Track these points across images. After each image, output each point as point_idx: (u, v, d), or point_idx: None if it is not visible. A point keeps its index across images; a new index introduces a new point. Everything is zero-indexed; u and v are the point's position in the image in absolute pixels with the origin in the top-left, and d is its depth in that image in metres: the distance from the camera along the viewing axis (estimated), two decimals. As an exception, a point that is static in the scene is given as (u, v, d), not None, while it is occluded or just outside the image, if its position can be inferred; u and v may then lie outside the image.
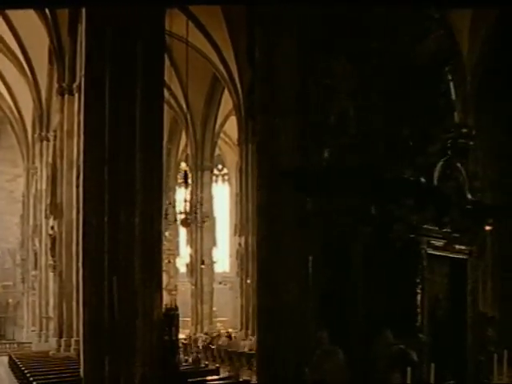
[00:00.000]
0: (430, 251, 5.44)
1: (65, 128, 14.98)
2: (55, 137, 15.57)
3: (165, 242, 19.09)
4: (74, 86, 14.54)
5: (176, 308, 14.02)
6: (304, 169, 5.26)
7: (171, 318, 12.34)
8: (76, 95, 14.06)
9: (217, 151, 25.57)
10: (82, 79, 10.74)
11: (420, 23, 5.24)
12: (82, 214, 10.35)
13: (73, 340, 13.68)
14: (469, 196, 5.90)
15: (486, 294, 29.02)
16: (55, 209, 14.84)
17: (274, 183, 5.57)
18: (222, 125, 23.91)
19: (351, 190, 4.98)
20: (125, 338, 9.76)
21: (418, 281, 5.25)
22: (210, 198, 24.00)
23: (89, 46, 10.11)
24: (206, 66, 19.63)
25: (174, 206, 14.84)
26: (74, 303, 12.11)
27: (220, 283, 25.06)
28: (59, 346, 14.32)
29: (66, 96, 15.03)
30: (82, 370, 10.31)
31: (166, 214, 12.74)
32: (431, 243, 5.39)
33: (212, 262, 23.82)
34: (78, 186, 11.64)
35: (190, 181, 16.66)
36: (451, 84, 5.65)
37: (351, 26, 5.33)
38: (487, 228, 17.13)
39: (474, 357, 6.32)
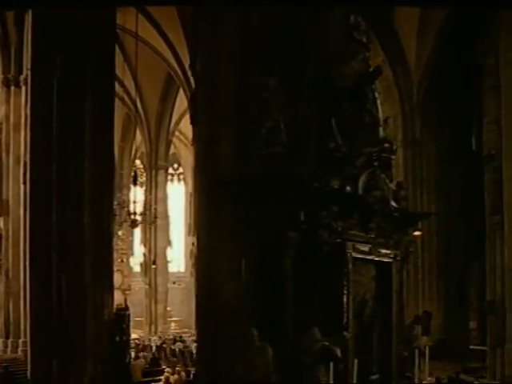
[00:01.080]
0: (356, 255, 5.89)
1: (11, 121, 14.59)
2: (1, 129, 15.13)
3: (118, 242, 19.15)
4: (21, 78, 14.12)
5: (127, 308, 14.14)
6: (240, 177, 5.61)
7: (122, 317, 12.47)
8: (23, 88, 13.70)
9: (172, 150, 25.59)
10: (29, 72, 10.44)
11: (348, 47, 5.68)
12: (30, 211, 10.33)
13: (20, 341, 13.58)
14: (394, 204, 6.39)
15: (429, 294, 29.89)
16: (1, 206, 14.58)
17: (212, 189, 5.92)
18: (178, 123, 23.87)
19: (282, 198, 5.37)
20: (74, 338, 9.84)
21: (343, 282, 5.68)
22: (165, 197, 24.08)
23: (36, 37, 9.85)
24: (161, 64, 19.68)
25: (123, 207, 14.96)
26: (22, 303, 12.07)
27: (174, 283, 25.20)
28: (5, 347, 14.16)
29: (13, 88, 14.65)
30: (29, 372, 10.32)
31: (115, 215, 12.85)
32: (357, 247, 5.84)
33: (166, 262, 23.94)
34: (24, 183, 11.48)
35: (143, 180, 16.77)
36: (377, 101, 6.13)
37: (286, 44, 5.73)
38: (416, 233, 18.06)
39: (399, 352, 6.81)
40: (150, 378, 13.52)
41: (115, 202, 10.10)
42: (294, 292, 5.53)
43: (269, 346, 5.43)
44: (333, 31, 5.86)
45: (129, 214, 14.93)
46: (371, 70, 5.78)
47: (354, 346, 6.17)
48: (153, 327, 23.01)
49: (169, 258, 23.60)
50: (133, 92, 19.50)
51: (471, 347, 20.08)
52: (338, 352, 5.58)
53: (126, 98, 19.96)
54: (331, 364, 5.38)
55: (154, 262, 21.15)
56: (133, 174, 15.28)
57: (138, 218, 15.25)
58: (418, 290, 28.15)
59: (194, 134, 6.38)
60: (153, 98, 21.63)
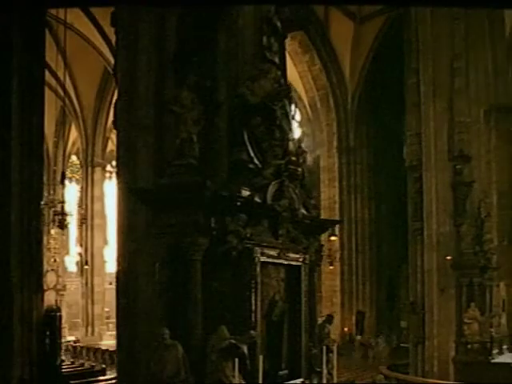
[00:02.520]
0: (265, 259, 6.36)
1: None
2: None
3: (50, 241, 18.99)
4: None
5: (59, 309, 14.04)
6: (155, 185, 5.97)
7: (53, 319, 12.38)
8: None
9: (110, 147, 25.37)
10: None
11: (259, 66, 6.14)
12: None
13: None
14: (304, 212, 6.91)
15: (362, 295, 31.01)
16: None
17: (131, 195, 6.24)
18: (116, 120, 23.74)
19: (194, 206, 5.76)
20: (1, 340, 9.79)
21: (251, 285, 6.13)
22: (102, 195, 23.92)
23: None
24: (99, 59, 19.56)
25: (51, 207, 14.87)
26: None
27: (111, 283, 25.06)
28: None
29: None
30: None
31: (42, 214, 12.83)
32: (265, 252, 6.31)
33: (103, 262, 23.80)
34: None
35: (79, 177, 16.65)
36: (289, 117, 6.63)
37: (202, 57, 6.12)
38: (333, 238, 18.93)
39: (308, 349, 7.33)
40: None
41: (42, 202, 10.12)
42: (203, 294, 5.93)
43: (179, 344, 5.80)
44: (246, 50, 6.31)
45: (55, 214, 14.90)
46: (280, 88, 6.25)
47: (264, 343, 6.66)
48: (89, 329, 22.85)
49: (106, 258, 23.46)
50: (69, 87, 19.24)
51: (402, 345, 21.05)
52: (245, 349, 6.02)
53: (61, 91, 19.63)
54: (236, 360, 5.81)
55: (87, 263, 21.03)
56: (61, 174, 15.17)
57: (69, 217, 15.24)
58: (352, 292, 29.28)
59: (117, 138, 6.67)
60: (89, 93, 21.41)
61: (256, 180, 6.18)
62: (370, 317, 30.11)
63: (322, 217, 29.05)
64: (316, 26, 23.31)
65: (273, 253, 6.47)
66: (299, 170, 6.29)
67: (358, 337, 30.05)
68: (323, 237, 29.66)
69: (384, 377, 17.16)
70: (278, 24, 6.35)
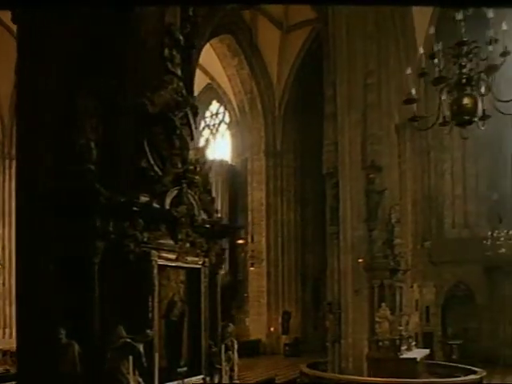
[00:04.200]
0: (163, 262, 6.68)
1: None
2: None
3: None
4: None
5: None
6: (56, 189, 6.16)
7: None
8: None
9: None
10: None
11: (161, 77, 6.46)
12: None
13: None
14: (205, 217, 7.28)
15: (288, 295, 31.89)
16: None
17: (31, 199, 6.39)
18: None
19: (92, 211, 6.00)
20: None
21: (148, 287, 6.44)
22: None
23: None
24: (15, 44, 19.08)
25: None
26: None
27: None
28: None
29: None
30: None
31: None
32: (163, 256, 6.63)
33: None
34: None
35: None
36: (194, 126, 6.97)
37: (104, 65, 6.35)
38: (240, 242, 19.49)
39: (208, 348, 7.71)
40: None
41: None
42: (102, 295, 6.19)
43: (75, 343, 6.03)
44: (150, 59, 6.59)
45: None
46: (182, 99, 6.59)
47: (163, 342, 6.98)
48: (7, 331, 22.30)
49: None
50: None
51: (327, 344, 21.83)
52: (141, 348, 6.32)
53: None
54: (130, 358, 6.11)
55: (3, 262, 20.58)
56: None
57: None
58: (278, 292, 30.00)
59: (16, 142, 6.77)
60: (6, 83, 20.71)
61: (156, 187, 6.48)
62: (295, 317, 30.93)
63: (250, 219, 29.56)
64: (244, 32, 23.83)
65: (171, 256, 6.80)
66: (196, 178, 6.65)
67: (284, 336, 30.82)
68: (251, 239, 29.82)
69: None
70: (181, 37, 6.67)
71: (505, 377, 21.54)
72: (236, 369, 8.43)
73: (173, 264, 6.90)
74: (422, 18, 20.41)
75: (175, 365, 7.28)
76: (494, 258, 22.29)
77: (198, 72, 23.04)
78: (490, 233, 22.15)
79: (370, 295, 17.65)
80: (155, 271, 6.50)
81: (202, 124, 33.69)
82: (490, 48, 6.46)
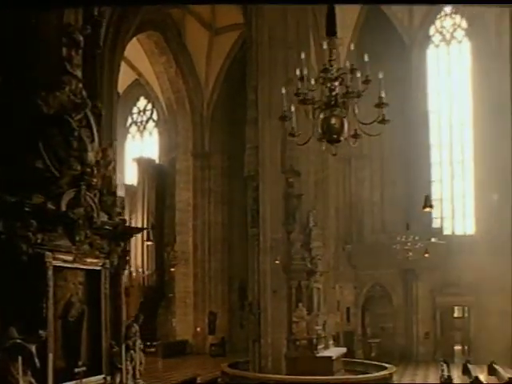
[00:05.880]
0: (59, 264, 6.69)
1: None
2: None
3: None
4: None
5: None
6: None
7: None
8: None
9: None
10: None
11: (57, 77, 6.47)
12: None
13: None
14: (106, 219, 7.32)
15: (215, 296, 31.98)
16: None
17: None
18: None
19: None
20: None
21: (42, 288, 6.43)
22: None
23: None
24: None
25: None
26: None
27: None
28: None
29: None
30: None
31: None
32: (59, 257, 6.64)
33: None
34: None
35: None
36: (93, 128, 7.01)
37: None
38: (149, 243, 19.56)
39: (109, 348, 7.75)
40: None
41: None
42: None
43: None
44: (49, 59, 6.57)
45: None
46: (80, 101, 6.62)
47: (61, 342, 6.98)
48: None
49: None
50: None
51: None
52: (33, 348, 6.30)
53: None
54: (20, 359, 6.09)
55: None
56: None
57: None
58: (204, 293, 30.07)
59: None
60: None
61: (51, 188, 6.48)
62: (222, 317, 31.08)
63: (177, 219, 29.43)
64: (172, 30, 23.77)
65: (68, 258, 6.82)
66: (94, 180, 6.70)
67: (211, 336, 30.90)
68: (178, 239, 29.74)
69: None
70: (81, 38, 6.69)
71: (416, 371, 22.83)
72: (141, 368, 8.52)
73: (70, 265, 6.91)
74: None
75: (73, 365, 7.28)
76: (404, 261, 23.48)
77: (125, 67, 22.77)
78: (398, 238, 23.29)
79: (288, 296, 18.11)
80: (50, 272, 6.50)
81: (129, 120, 33.17)
82: (358, 74, 7.10)
